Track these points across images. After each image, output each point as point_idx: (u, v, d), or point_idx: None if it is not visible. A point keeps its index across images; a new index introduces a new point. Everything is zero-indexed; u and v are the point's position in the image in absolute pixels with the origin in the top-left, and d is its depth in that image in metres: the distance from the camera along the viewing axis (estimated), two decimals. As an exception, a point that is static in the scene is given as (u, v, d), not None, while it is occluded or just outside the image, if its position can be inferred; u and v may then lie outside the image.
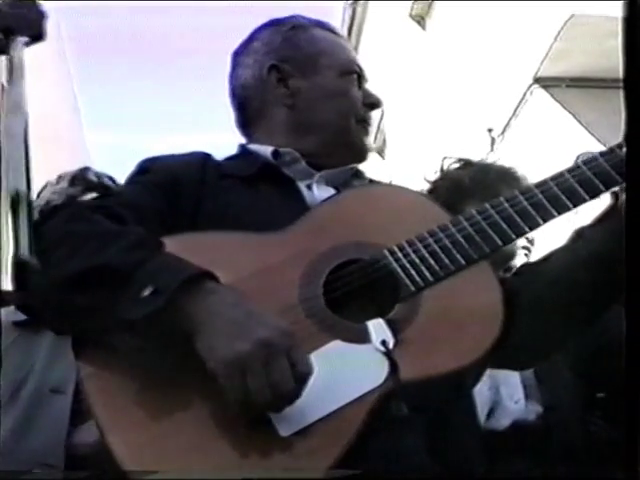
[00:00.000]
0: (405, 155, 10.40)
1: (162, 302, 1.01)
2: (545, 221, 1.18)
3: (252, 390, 0.98)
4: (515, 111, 7.46)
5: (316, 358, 1.05)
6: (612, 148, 1.18)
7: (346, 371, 1.07)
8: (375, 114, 1.47)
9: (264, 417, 1.02)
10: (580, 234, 1.21)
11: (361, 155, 1.45)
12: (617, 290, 1.19)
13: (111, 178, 2.16)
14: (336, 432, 1.02)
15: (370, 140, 1.46)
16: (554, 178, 1.19)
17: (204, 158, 1.38)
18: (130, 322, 1.02)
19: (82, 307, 1.08)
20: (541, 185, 1.20)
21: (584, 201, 1.17)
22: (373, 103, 1.47)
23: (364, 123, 1.45)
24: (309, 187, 1.36)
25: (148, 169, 1.34)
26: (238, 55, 1.52)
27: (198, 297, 1.03)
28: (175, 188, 1.28)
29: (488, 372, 1.84)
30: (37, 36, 1.12)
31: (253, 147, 1.45)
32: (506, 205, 1.19)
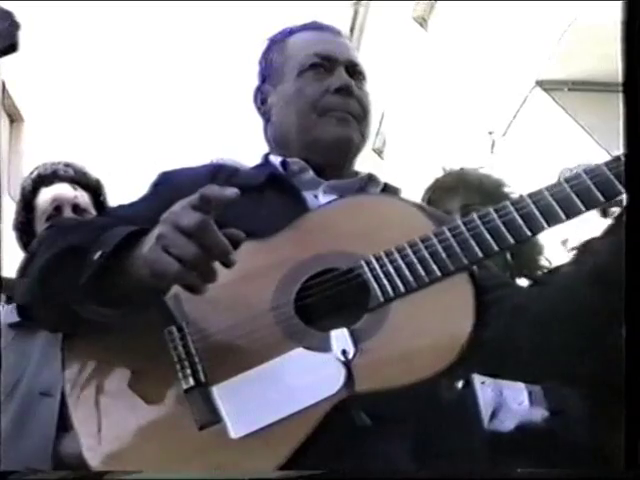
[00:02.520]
0: (405, 156, 10.39)
1: (103, 259, 1.07)
2: (534, 233, 1.13)
3: (182, 252, 0.99)
4: (516, 114, 7.46)
5: (278, 364, 1.10)
6: (618, 157, 1.14)
7: (304, 378, 1.09)
8: (346, 99, 1.42)
9: (218, 418, 1.07)
10: (587, 246, 1.18)
11: (334, 146, 1.40)
12: (621, 307, 1.15)
13: (68, 164, 2.24)
14: (284, 437, 1.05)
15: (345, 127, 1.41)
16: (549, 188, 1.14)
17: (215, 169, 1.41)
18: (85, 284, 1.08)
19: (57, 291, 1.13)
20: (535, 195, 1.14)
21: (579, 213, 1.12)
22: (337, 88, 1.41)
23: (330, 112, 1.40)
24: (316, 197, 1.36)
25: (158, 182, 1.39)
26: None
27: (140, 246, 1.07)
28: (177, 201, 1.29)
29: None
30: (9, 47, 1.11)
31: (271, 157, 1.47)
32: (494, 215, 1.14)
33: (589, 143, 5.92)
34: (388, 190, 1.45)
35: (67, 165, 2.24)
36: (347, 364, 1.08)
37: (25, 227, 2.16)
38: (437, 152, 7.86)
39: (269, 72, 1.49)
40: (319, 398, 1.07)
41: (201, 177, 1.35)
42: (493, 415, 1.85)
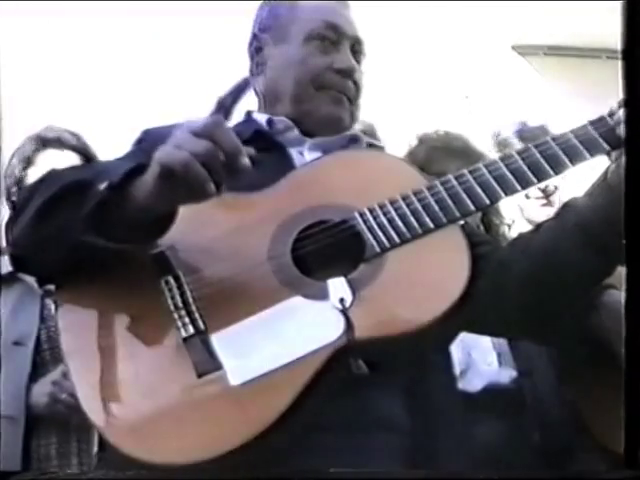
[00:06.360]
0: (379, 119, 10.36)
1: (111, 188, 1.08)
2: (523, 187, 1.16)
3: (194, 147, 1.02)
4: (491, 78, 7.45)
5: (276, 312, 1.12)
6: (602, 116, 1.17)
7: (303, 326, 1.11)
8: (345, 80, 1.44)
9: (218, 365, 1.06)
10: (569, 205, 1.20)
11: (325, 123, 1.43)
12: (602, 266, 1.18)
13: (74, 134, 2.21)
14: (284, 384, 1.06)
15: (339, 107, 1.43)
16: (537, 145, 1.18)
17: None
18: (89, 214, 1.08)
19: (58, 227, 1.12)
20: (523, 152, 1.18)
21: (566, 168, 1.16)
22: (340, 69, 1.44)
23: (327, 90, 1.43)
24: (301, 153, 1.39)
25: (142, 139, 1.41)
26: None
27: (148, 174, 1.08)
28: None
29: (459, 337, 1.86)
30: None
31: (254, 115, 1.49)
32: (484, 170, 1.18)
33: (564, 108, 5.94)
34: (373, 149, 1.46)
35: (73, 134, 2.23)
36: (345, 312, 1.09)
37: (20, 183, 2.14)
38: (412, 115, 7.85)
39: (271, 24, 1.49)
40: (319, 345, 1.08)
41: None
42: (461, 375, 1.87)
